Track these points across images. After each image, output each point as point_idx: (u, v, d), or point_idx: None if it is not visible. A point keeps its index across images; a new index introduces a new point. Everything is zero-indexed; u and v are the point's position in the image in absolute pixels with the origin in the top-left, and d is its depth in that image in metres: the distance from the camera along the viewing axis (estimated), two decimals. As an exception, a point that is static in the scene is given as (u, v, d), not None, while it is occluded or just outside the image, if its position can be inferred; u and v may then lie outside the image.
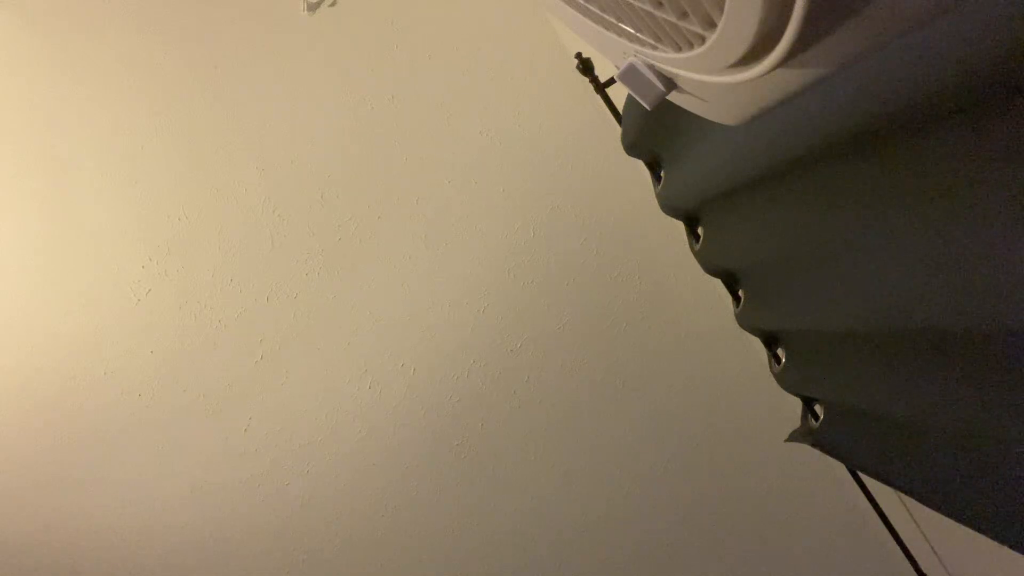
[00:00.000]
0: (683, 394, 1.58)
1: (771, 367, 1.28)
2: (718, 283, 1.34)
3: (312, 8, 1.57)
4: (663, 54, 0.42)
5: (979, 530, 0.82)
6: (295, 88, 1.57)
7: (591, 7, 0.46)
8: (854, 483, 1.33)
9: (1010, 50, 0.42)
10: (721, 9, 0.32)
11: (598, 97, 1.35)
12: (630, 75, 0.48)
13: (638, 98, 0.50)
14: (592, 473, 1.56)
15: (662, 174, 1.29)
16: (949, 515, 0.88)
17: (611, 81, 1.31)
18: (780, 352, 1.26)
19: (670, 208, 1.27)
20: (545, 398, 1.56)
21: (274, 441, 1.51)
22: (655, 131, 1.16)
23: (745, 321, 1.24)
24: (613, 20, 0.45)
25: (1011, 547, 0.77)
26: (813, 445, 1.21)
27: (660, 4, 0.37)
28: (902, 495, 1.24)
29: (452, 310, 1.55)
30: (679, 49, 0.40)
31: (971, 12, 0.44)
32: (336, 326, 1.53)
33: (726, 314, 1.46)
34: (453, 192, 1.57)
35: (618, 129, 1.35)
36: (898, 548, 1.29)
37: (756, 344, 1.35)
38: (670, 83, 0.48)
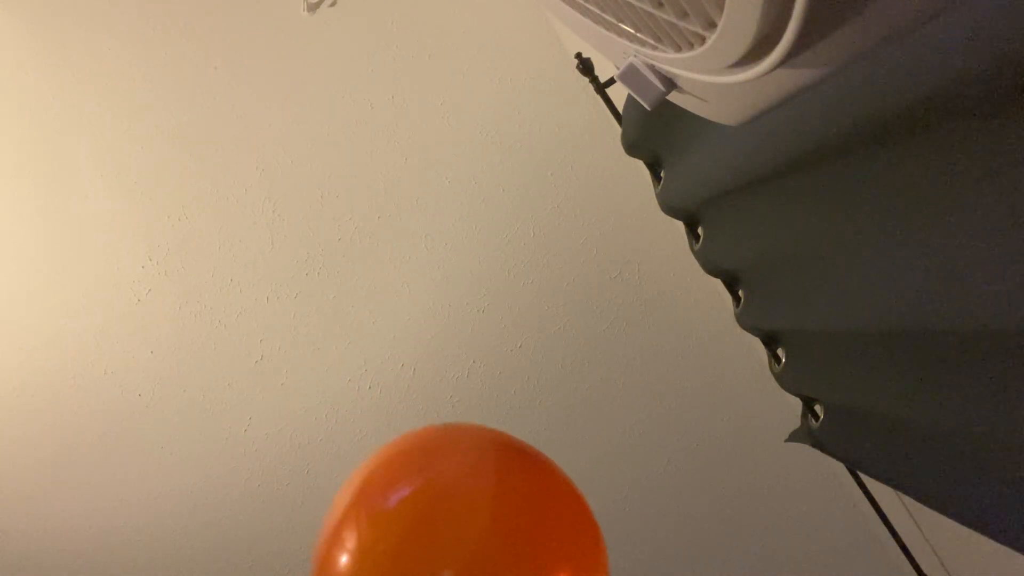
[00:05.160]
0: (683, 394, 1.58)
1: (771, 367, 1.28)
2: (718, 283, 1.34)
3: (312, 8, 1.57)
4: (663, 54, 0.42)
5: (980, 530, 0.82)
6: (295, 88, 1.56)
7: (591, 7, 0.46)
8: (854, 483, 1.33)
9: (1011, 49, 0.42)
10: (721, 9, 0.32)
11: (598, 97, 1.35)
12: (630, 75, 0.48)
13: (638, 98, 0.50)
14: (592, 473, 1.56)
15: (662, 174, 1.28)
16: (949, 515, 0.88)
17: (611, 81, 1.31)
18: (780, 352, 1.26)
19: (670, 208, 1.27)
20: (545, 398, 1.56)
21: (274, 441, 1.51)
22: (655, 131, 1.16)
23: (745, 321, 1.24)
24: (613, 20, 0.45)
25: (1011, 547, 0.77)
26: (813, 445, 1.21)
27: (660, 4, 0.37)
28: (902, 495, 1.24)
29: (452, 310, 1.55)
30: (679, 49, 0.40)
31: (971, 10, 0.44)
32: (336, 326, 1.53)
33: (726, 314, 1.46)
34: (453, 192, 1.57)
35: (618, 129, 1.34)
36: (898, 548, 1.29)
37: (756, 344, 1.35)
38: (670, 83, 0.48)
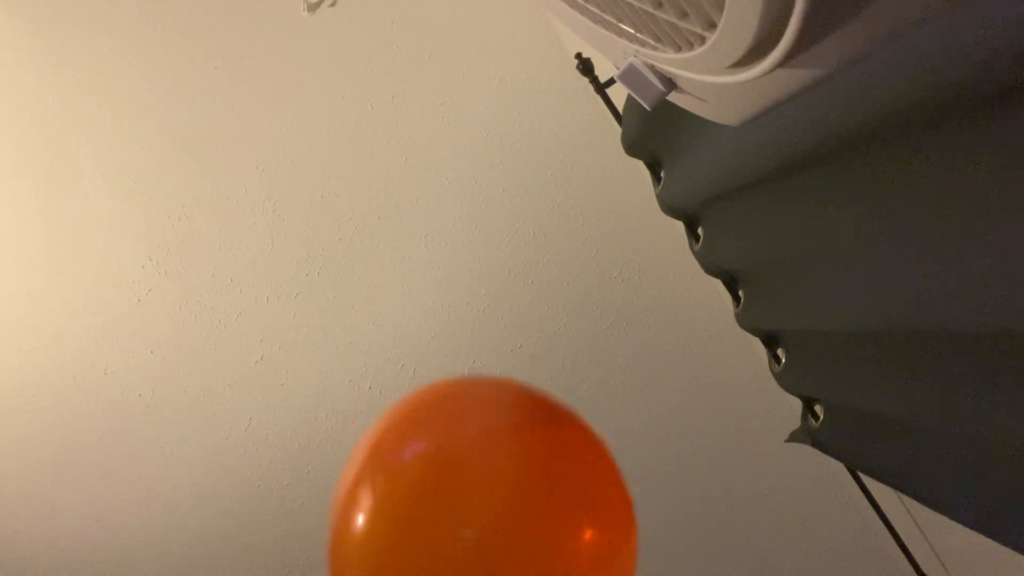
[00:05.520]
0: (683, 394, 1.58)
1: (771, 367, 1.28)
2: (718, 283, 1.33)
3: (312, 8, 1.57)
4: (663, 54, 0.42)
5: (979, 530, 0.82)
6: (295, 88, 1.56)
7: (591, 7, 0.46)
8: (854, 483, 1.33)
9: (1011, 48, 0.42)
10: (721, 10, 0.32)
11: (598, 97, 1.35)
12: (630, 75, 0.48)
13: (638, 98, 0.50)
14: (592, 473, 1.56)
15: (662, 174, 1.28)
16: (950, 516, 0.88)
17: (611, 81, 1.30)
18: (780, 352, 1.26)
19: (670, 208, 1.27)
20: (545, 398, 1.55)
21: (274, 441, 1.51)
22: (655, 131, 1.16)
23: (745, 321, 1.24)
24: (613, 20, 0.45)
25: (1011, 547, 0.77)
26: (813, 445, 1.21)
27: (660, 4, 0.37)
28: (902, 495, 1.24)
29: (452, 310, 1.55)
30: (679, 49, 0.40)
31: (971, 10, 0.43)
32: (336, 326, 1.53)
33: (726, 314, 1.46)
34: (453, 192, 1.57)
35: (618, 129, 1.34)
36: (898, 548, 1.29)
37: (756, 344, 1.35)
38: (670, 83, 0.48)
